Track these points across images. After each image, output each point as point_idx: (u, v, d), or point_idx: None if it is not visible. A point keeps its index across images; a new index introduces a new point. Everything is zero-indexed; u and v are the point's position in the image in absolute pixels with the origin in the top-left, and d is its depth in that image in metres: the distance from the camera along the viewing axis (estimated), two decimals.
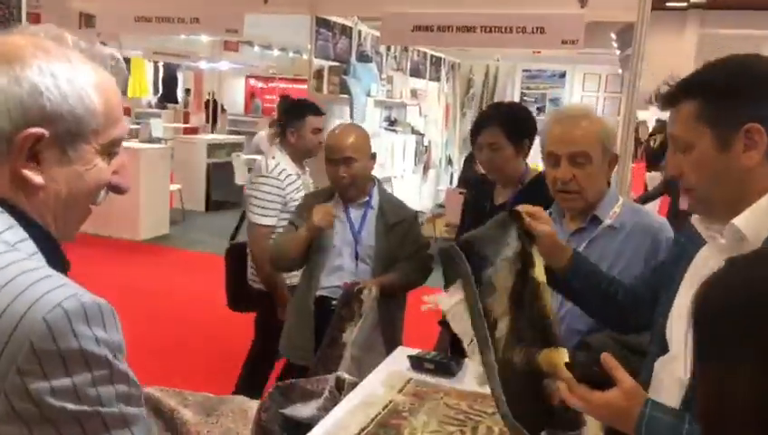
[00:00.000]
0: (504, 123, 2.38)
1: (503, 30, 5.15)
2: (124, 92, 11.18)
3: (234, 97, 17.21)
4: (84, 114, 0.80)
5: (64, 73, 0.79)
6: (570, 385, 1.16)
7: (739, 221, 1.09)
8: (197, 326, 4.64)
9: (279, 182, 2.90)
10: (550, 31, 5.14)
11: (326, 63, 5.58)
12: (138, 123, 10.49)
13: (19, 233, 0.76)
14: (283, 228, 2.69)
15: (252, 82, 17.72)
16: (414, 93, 7.87)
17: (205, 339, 4.43)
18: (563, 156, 1.75)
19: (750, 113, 1.08)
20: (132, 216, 7.01)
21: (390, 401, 1.64)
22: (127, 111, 11.43)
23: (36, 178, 0.78)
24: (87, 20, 5.61)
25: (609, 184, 1.85)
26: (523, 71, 9.99)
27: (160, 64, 13.89)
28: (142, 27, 5.38)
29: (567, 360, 1.25)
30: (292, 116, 3.07)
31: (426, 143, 8.43)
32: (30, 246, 0.76)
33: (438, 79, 8.99)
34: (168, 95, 14.56)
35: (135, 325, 3.32)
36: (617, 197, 1.83)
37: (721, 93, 1.12)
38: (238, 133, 12.20)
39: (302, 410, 1.66)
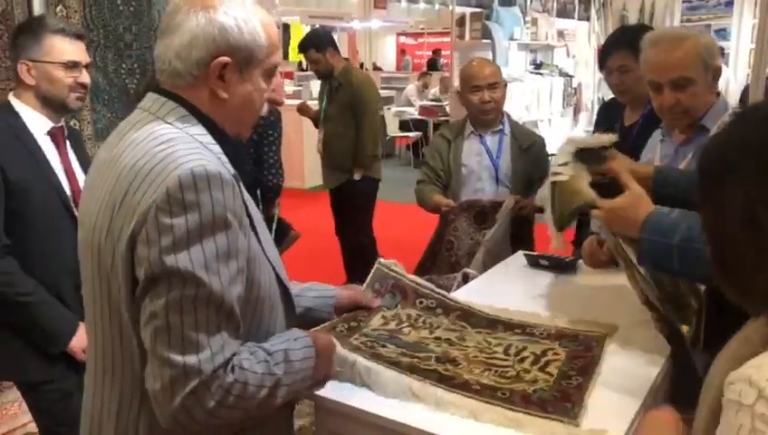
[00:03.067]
0: (632, 45, 2.43)
1: None
2: (285, 56, 11.89)
3: (386, 55, 17.70)
4: (255, 46, 1.12)
5: (242, 15, 1.10)
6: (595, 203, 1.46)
7: None
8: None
9: None
10: None
11: (468, 10, 5.72)
12: (300, 85, 11.24)
13: (202, 130, 1.10)
14: (422, 168, 2.92)
15: (402, 39, 18.08)
16: (561, 35, 7.74)
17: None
18: (664, 83, 1.79)
19: None
20: (298, 167, 7.73)
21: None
22: (289, 75, 12.24)
23: (223, 94, 1.11)
24: None
25: (718, 94, 1.89)
26: (684, 2, 9.30)
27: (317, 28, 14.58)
28: None
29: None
30: None
31: (575, 85, 8.26)
32: (208, 139, 1.10)
33: (588, 18, 8.70)
34: None
35: (311, 261, 3.74)
36: (726, 106, 1.86)
37: None
38: (390, 89, 12.62)
39: None
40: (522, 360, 1.41)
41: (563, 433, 1.16)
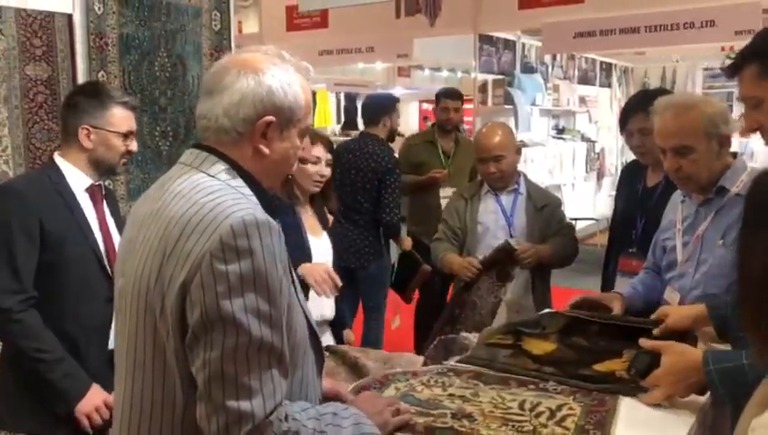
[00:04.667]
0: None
1: (668, 27, 5.06)
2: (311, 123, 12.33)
3: (408, 121, 18.05)
4: (296, 107, 1.19)
5: (286, 79, 1.18)
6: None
7: None
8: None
9: None
10: (721, 23, 4.95)
11: (490, 77, 5.86)
12: None
13: (242, 183, 1.16)
14: (440, 226, 2.97)
15: (425, 105, 18.46)
16: (583, 101, 7.85)
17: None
18: (667, 149, 1.87)
19: None
20: None
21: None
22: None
23: (265, 150, 1.18)
24: None
25: (735, 156, 1.92)
26: (704, 69, 9.40)
27: (342, 95, 15.02)
28: (325, 60, 6.09)
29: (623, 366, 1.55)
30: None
31: (597, 150, 8.32)
32: (243, 190, 1.15)
33: (609, 85, 8.85)
34: (348, 122, 15.67)
35: None
36: (744, 166, 1.89)
37: None
38: None
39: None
40: (538, 415, 1.40)
41: None
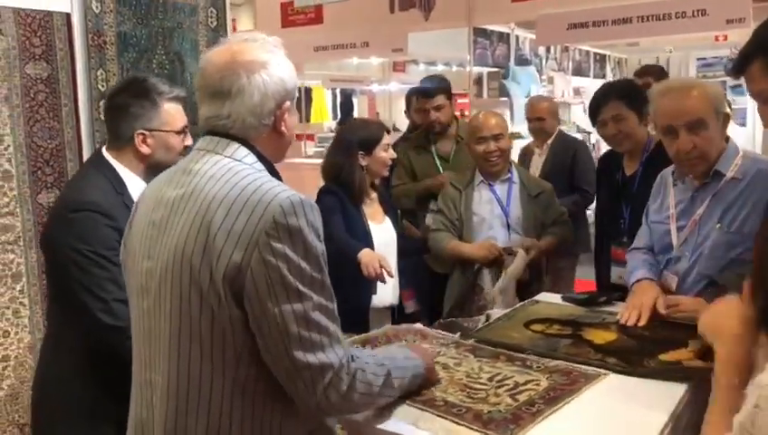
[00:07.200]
0: (622, 94, 2.52)
1: (660, 17, 5.09)
2: (308, 119, 12.25)
3: (403, 116, 18.06)
4: (294, 88, 1.30)
5: (285, 62, 1.28)
6: None
7: None
8: None
9: None
10: (713, 11, 4.98)
11: (485, 70, 5.89)
12: (321, 147, 11.49)
13: (262, 166, 1.25)
14: (431, 218, 3.00)
15: None
16: (577, 92, 7.89)
17: None
18: (681, 127, 1.86)
19: None
20: None
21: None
22: (311, 137, 12.54)
23: (285, 130, 1.30)
24: None
25: (727, 139, 1.96)
26: (698, 59, 9.44)
27: (338, 91, 14.99)
28: (321, 55, 6.11)
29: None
30: None
31: (593, 141, 8.34)
32: (265, 172, 1.24)
33: (603, 76, 8.87)
34: (344, 118, 15.67)
35: None
36: (737, 150, 1.92)
37: None
38: None
39: None
40: (501, 386, 1.43)
41: None
